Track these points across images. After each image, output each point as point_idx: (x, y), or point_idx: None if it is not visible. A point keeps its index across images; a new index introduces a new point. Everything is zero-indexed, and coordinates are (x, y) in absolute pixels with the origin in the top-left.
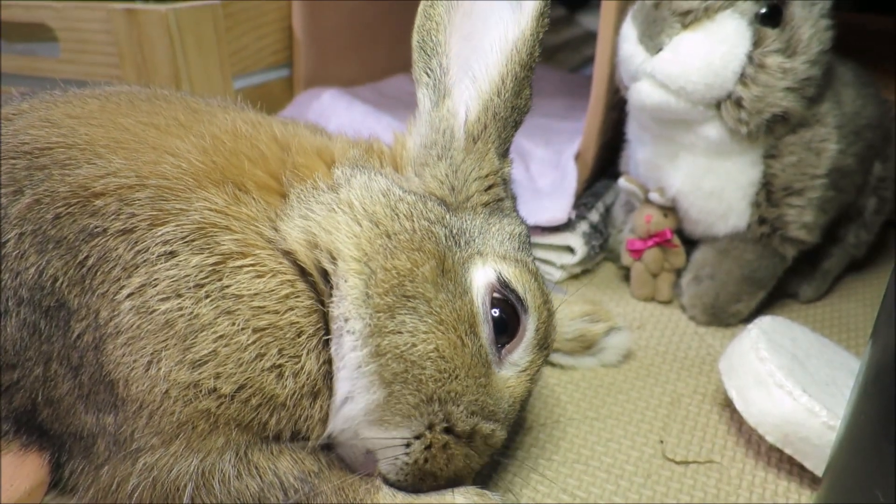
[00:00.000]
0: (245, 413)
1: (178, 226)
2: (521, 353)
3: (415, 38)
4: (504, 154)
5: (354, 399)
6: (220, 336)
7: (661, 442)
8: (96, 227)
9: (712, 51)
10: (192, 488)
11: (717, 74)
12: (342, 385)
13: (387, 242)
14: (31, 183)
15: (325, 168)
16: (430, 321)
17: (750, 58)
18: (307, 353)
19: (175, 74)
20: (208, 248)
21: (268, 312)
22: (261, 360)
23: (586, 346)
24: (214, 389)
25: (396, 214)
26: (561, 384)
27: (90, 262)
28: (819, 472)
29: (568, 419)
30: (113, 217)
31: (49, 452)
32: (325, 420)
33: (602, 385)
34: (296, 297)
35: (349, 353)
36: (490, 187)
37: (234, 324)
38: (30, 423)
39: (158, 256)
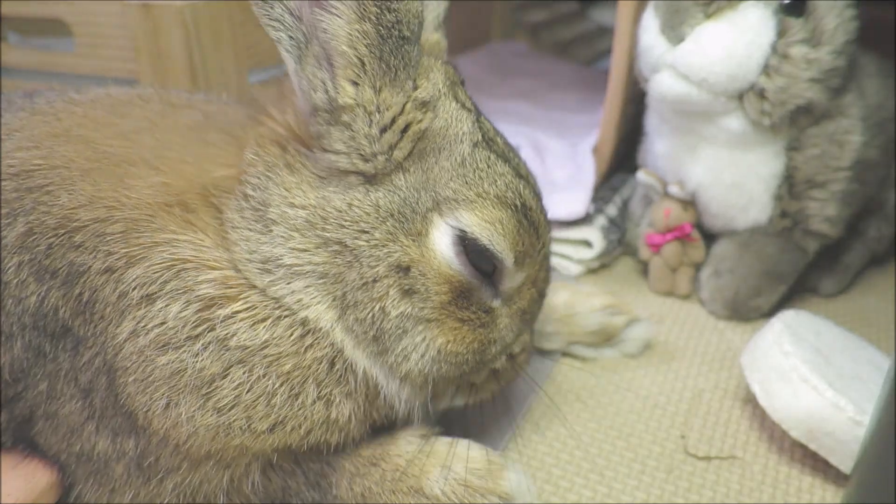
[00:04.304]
0: (291, 439)
1: (149, 266)
2: (510, 277)
3: None
4: (407, 76)
5: (409, 402)
6: (239, 384)
7: (683, 437)
8: (82, 265)
9: (735, 41)
10: (224, 495)
11: (740, 65)
12: (393, 399)
13: (344, 291)
14: (22, 209)
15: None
16: (420, 328)
17: (774, 48)
18: (352, 373)
19: (190, 69)
20: (185, 294)
21: (287, 356)
22: (298, 399)
23: (607, 338)
24: (248, 427)
25: (332, 250)
26: (581, 380)
27: (85, 297)
28: (844, 467)
29: (589, 414)
30: (92, 255)
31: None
32: (393, 404)
33: (622, 380)
34: (311, 334)
35: (384, 386)
36: (406, 129)
37: (250, 372)
38: (24, 435)
39: (138, 302)
